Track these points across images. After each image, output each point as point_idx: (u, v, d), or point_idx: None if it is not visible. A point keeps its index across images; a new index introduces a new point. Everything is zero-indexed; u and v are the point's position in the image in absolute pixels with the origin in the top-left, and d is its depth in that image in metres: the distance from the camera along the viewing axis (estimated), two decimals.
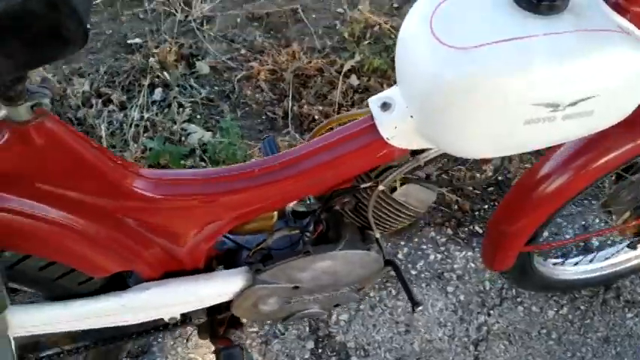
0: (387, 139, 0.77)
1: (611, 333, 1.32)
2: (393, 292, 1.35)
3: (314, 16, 1.98)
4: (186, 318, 0.96)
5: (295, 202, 0.91)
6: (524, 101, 0.67)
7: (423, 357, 1.27)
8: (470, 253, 1.42)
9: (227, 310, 0.97)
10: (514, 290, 1.37)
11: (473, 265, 1.40)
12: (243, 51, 1.87)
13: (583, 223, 1.48)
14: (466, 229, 1.46)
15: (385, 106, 0.77)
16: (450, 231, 1.46)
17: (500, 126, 0.70)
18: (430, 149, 0.82)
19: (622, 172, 1.06)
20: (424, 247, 1.43)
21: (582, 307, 1.35)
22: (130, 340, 0.98)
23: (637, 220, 1.12)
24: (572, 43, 0.66)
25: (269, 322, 1.27)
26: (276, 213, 0.90)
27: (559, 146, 0.97)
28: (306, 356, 1.26)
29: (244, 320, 1.05)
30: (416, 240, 1.44)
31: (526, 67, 0.65)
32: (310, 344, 1.28)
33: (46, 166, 0.70)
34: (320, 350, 1.27)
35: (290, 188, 0.83)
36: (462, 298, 1.35)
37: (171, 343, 1.27)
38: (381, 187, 0.85)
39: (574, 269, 1.29)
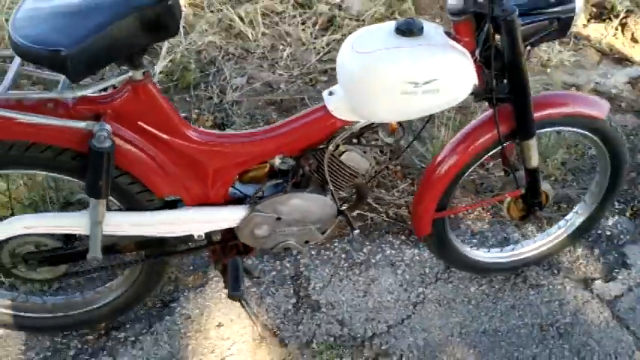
0: (332, 111, 1.38)
1: (516, 302, 1.81)
2: (357, 271, 1.88)
3: (316, 102, 2.67)
4: (210, 238, 1.51)
5: (280, 161, 1.49)
6: (398, 79, 1.28)
7: (374, 311, 1.77)
8: (416, 251, 1.95)
9: (235, 239, 1.53)
10: (447, 274, 1.88)
11: (418, 258, 1.93)
12: (261, 123, 2.53)
13: None
14: (415, 236, 1.99)
15: (331, 93, 1.39)
16: (403, 237, 2.00)
17: (389, 96, 1.31)
18: (358, 121, 1.42)
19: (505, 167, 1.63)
20: (383, 245, 1.97)
21: (496, 286, 1.85)
22: (174, 255, 1.53)
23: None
24: (423, 49, 1.29)
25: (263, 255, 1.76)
26: (268, 165, 1.48)
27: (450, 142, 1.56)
28: (289, 307, 1.77)
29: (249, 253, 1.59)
30: (377, 241, 1.98)
31: (398, 59, 1.28)
32: (293, 300, 1.80)
33: (145, 111, 1.32)
34: (299, 304, 1.78)
35: (272, 146, 1.43)
36: (407, 277, 1.87)
37: (193, 295, 1.79)
38: (330, 148, 1.44)
39: (485, 254, 1.82)
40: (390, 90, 1.30)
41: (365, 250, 1.96)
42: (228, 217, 1.48)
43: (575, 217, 1.84)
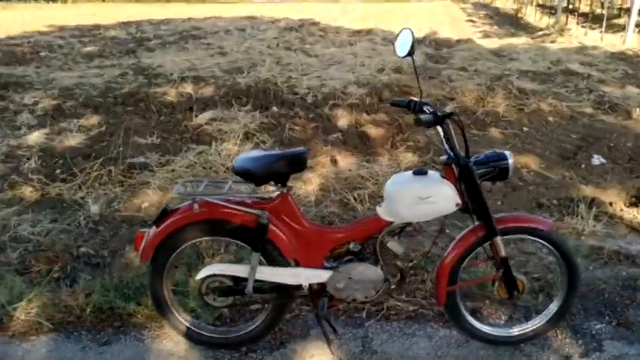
0: (380, 214, 2.68)
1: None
2: (406, 333, 2.98)
3: None
4: (311, 288, 2.77)
5: (353, 244, 2.76)
6: (411, 195, 2.58)
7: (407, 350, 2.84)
8: (447, 331, 3.02)
9: (325, 290, 2.77)
10: (467, 342, 2.91)
11: (448, 333, 2.99)
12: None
13: None
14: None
15: (380, 205, 2.71)
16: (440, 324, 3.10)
17: (407, 206, 2.60)
18: (394, 222, 2.69)
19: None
20: (425, 327, 3.07)
21: (498, 351, 2.85)
22: (293, 298, 2.80)
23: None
24: (425, 181, 2.60)
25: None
26: (346, 246, 2.76)
27: (454, 242, 2.76)
28: (357, 351, 2.90)
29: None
30: (421, 324, 3.09)
31: (411, 186, 2.59)
32: (360, 347, 2.93)
33: (286, 210, 2.72)
34: (363, 350, 2.90)
35: (348, 235, 2.73)
36: (438, 343, 2.94)
37: (298, 340, 2.99)
38: (379, 237, 2.71)
39: (489, 328, 2.86)
40: (405, 201, 2.59)
41: (414, 328, 3.06)
42: (322, 275, 2.74)
43: (552, 309, 2.85)
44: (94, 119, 5.89)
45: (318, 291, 2.76)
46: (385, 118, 5.73)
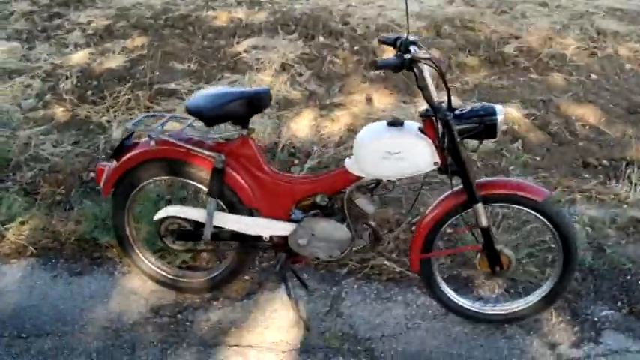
0: (348, 168, 2.39)
1: (486, 343, 2.49)
2: (380, 301, 2.73)
3: None
4: (271, 239, 2.55)
5: (320, 198, 2.50)
6: (379, 149, 2.27)
7: (376, 326, 2.59)
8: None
9: (283, 247, 2.54)
10: (446, 316, 2.63)
11: (427, 302, 2.71)
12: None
13: None
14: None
15: (350, 159, 2.41)
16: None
17: (374, 160, 2.28)
18: (364, 177, 2.39)
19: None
20: (406, 292, 2.79)
21: (477, 329, 2.55)
22: (255, 249, 2.60)
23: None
24: (396, 134, 2.27)
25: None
26: (312, 199, 2.50)
27: (432, 205, 2.43)
28: (323, 311, 2.68)
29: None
30: (401, 288, 2.81)
31: (381, 139, 2.27)
32: (327, 308, 2.71)
33: (246, 155, 2.48)
34: (330, 311, 2.68)
35: (315, 187, 2.46)
36: (413, 312, 2.67)
37: (268, 291, 2.81)
38: (347, 192, 2.42)
39: (463, 300, 2.54)
40: (374, 155, 2.27)
41: (392, 292, 2.80)
42: (284, 227, 2.51)
43: (543, 289, 2.49)
44: (139, 41, 5.80)
45: (282, 245, 2.54)
46: (435, 54, 5.27)
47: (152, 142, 2.49)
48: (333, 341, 2.52)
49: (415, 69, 2.14)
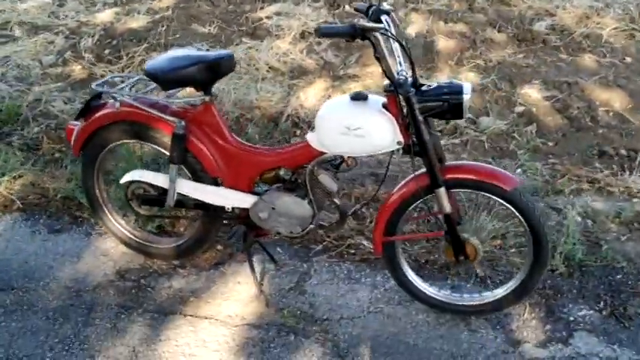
0: (309, 142, 2.27)
1: (445, 334, 2.35)
2: (347, 282, 2.62)
3: None
4: (233, 211, 2.47)
5: (283, 171, 2.39)
6: (340, 124, 2.13)
7: (337, 307, 2.49)
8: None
9: (248, 219, 2.45)
10: (409, 302, 2.50)
11: (396, 288, 2.58)
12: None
13: None
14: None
15: (311, 133, 2.28)
16: None
17: (333, 135, 2.16)
18: (327, 153, 2.27)
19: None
20: (377, 274, 2.67)
21: (440, 320, 2.41)
22: (219, 218, 2.52)
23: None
24: (357, 108, 2.13)
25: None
26: (274, 172, 2.40)
27: (396, 187, 2.29)
28: (286, 287, 2.60)
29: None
30: (374, 269, 2.70)
31: (338, 111, 2.14)
32: (292, 284, 2.62)
33: (209, 122, 2.39)
34: (294, 287, 2.59)
35: (277, 160, 2.35)
36: (378, 296, 2.55)
37: (235, 263, 2.73)
38: (309, 167, 2.31)
39: (429, 288, 2.41)
40: (332, 129, 2.15)
41: (362, 274, 2.68)
42: (245, 199, 2.43)
43: (513, 283, 2.33)
44: (166, 2, 5.75)
45: (245, 217, 2.46)
46: (463, 29, 5.01)
47: (117, 104, 2.43)
48: (290, 319, 2.44)
49: (371, 39, 1.99)
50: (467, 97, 2.03)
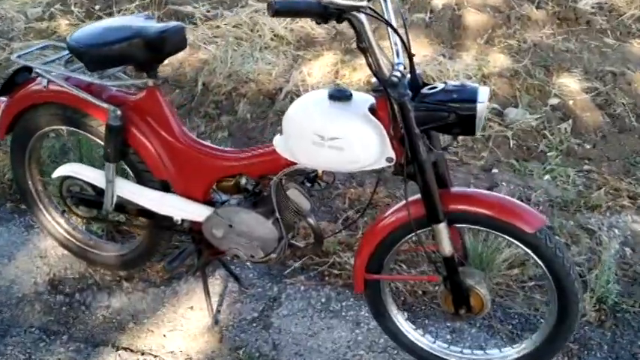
0: (275, 147, 1.71)
1: None
2: (323, 315, 2.09)
3: None
4: (183, 224, 1.94)
5: (245, 180, 1.85)
6: (307, 129, 1.57)
7: (308, 350, 1.97)
8: None
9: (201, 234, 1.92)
10: (397, 350, 1.96)
11: None
12: None
13: None
14: None
15: (279, 137, 1.72)
16: None
17: (302, 142, 1.59)
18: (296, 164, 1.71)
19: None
20: (362, 305, 2.14)
21: None
22: (163, 230, 1.99)
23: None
24: (336, 111, 1.56)
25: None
26: (233, 180, 1.85)
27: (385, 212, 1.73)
28: (248, 317, 2.08)
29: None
30: (358, 300, 2.16)
31: (310, 113, 1.57)
32: (255, 314, 2.10)
33: (153, 111, 1.84)
34: (257, 319, 2.07)
35: (235, 166, 1.80)
36: (359, 338, 2.01)
37: (192, 281, 2.22)
38: (275, 179, 1.75)
39: (428, 341, 1.86)
40: (303, 137, 1.59)
41: (344, 304, 2.15)
42: (196, 211, 1.89)
43: (528, 343, 1.77)
44: None
45: (198, 232, 1.93)
46: (497, 2, 4.33)
47: (44, 82, 1.89)
48: None
49: (353, 22, 1.40)
50: (482, 106, 1.45)
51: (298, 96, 3.50)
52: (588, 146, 3.13)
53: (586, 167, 2.98)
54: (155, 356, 1.94)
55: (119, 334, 2.02)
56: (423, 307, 2.13)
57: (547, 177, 2.89)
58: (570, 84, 3.50)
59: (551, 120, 3.25)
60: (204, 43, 4.01)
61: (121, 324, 2.05)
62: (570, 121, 3.26)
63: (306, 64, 3.80)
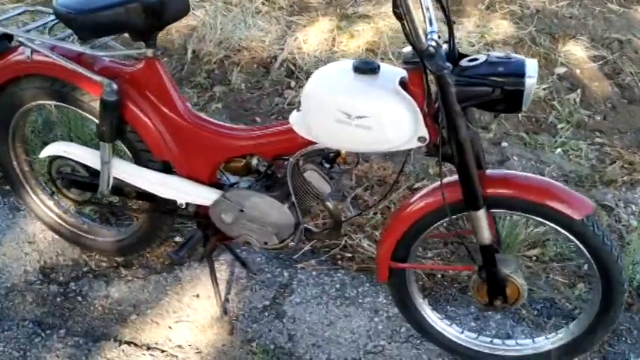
0: (292, 125, 1.53)
1: None
2: (339, 303, 1.94)
3: None
4: (187, 208, 1.76)
5: (257, 161, 1.67)
6: (332, 106, 1.39)
7: (326, 341, 1.82)
8: None
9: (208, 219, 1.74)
10: (420, 340, 1.82)
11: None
12: None
13: None
14: None
15: (296, 113, 1.54)
16: None
17: (325, 120, 1.42)
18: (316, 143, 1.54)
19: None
20: (380, 291, 1.99)
21: None
22: (165, 214, 1.81)
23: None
24: (363, 86, 1.38)
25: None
26: (244, 161, 1.67)
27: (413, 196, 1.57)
28: (259, 306, 1.92)
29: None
30: (376, 286, 2.01)
31: (335, 88, 1.39)
32: (266, 302, 1.94)
33: (152, 84, 1.64)
34: (269, 307, 1.92)
35: (246, 145, 1.62)
36: (379, 327, 1.87)
37: (196, 267, 2.05)
38: (292, 160, 1.58)
39: (448, 327, 1.72)
40: (326, 114, 1.41)
41: (360, 290, 2.00)
42: (203, 195, 1.71)
43: (564, 333, 1.64)
44: None
45: (204, 217, 1.75)
46: None
47: (27, 52, 1.68)
48: (260, 356, 1.77)
49: None
50: (531, 81, 1.29)
51: (295, 65, 3.32)
52: (598, 118, 2.99)
53: (598, 140, 2.85)
54: (162, 351, 1.78)
55: (121, 326, 1.85)
56: (443, 293, 1.98)
57: (559, 150, 2.75)
58: (577, 52, 3.35)
59: (559, 90, 3.11)
60: (192, 8, 3.76)
61: (122, 315, 1.88)
62: (579, 91, 3.11)
63: (301, 31, 3.58)
